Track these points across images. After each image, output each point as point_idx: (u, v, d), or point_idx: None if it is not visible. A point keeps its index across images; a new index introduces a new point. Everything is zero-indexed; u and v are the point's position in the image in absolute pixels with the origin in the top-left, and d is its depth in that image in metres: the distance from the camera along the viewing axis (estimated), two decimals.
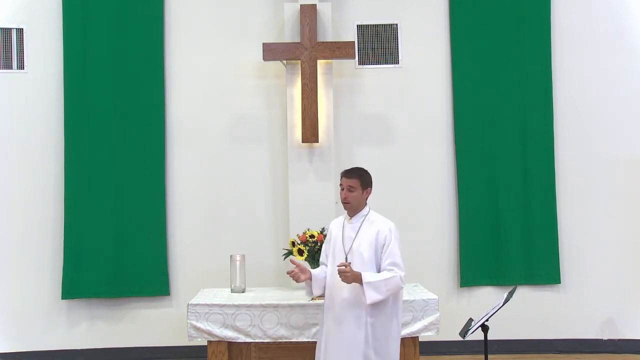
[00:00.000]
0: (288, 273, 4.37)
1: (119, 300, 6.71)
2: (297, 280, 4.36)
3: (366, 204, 4.49)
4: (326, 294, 4.45)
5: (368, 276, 4.18)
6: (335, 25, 6.74)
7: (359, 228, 4.40)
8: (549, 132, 6.78)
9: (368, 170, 4.53)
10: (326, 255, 4.54)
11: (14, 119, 6.73)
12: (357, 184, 4.39)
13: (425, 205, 6.85)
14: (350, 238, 4.38)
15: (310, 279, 4.42)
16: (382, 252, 4.31)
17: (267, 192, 6.80)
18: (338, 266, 4.19)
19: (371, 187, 4.50)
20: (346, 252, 4.36)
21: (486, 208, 6.77)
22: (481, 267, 6.75)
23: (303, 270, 4.39)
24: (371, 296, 4.14)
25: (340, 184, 4.44)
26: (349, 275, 4.13)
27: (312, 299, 4.89)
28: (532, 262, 6.76)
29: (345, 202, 4.40)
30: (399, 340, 4.50)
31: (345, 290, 4.29)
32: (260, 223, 6.79)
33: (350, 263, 4.24)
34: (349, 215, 4.47)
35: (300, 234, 5.81)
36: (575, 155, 6.84)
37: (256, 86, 6.84)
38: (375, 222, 4.42)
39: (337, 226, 4.52)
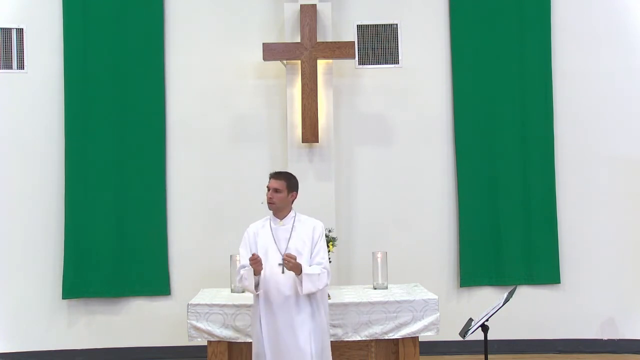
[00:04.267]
0: (254, 256, 4.32)
1: (119, 300, 6.72)
2: (257, 268, 4.34)
3: (292, 207, 4.60)
4: (263, 294, 4.47)
5: (307, 269, 4.34)
6: (335, 25, 6.74)
7: (292, 228, 4.51)
8: (549, 132, 6.78)
9: (296, 177, 4.63)
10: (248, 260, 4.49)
11: (14, 119, 6.74)
12: (283, 185, 4.51)
13: (425, 206, 6.86)
14: (285, 239, 4.48)
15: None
16: (313, 247, 4.48)
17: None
18: (286, 254, 4.27)
19: (297, 192, 4.61)
20: (282, 253, 4.41)
21: (486, 208, 6.77)
22: (481, 267, 6.76)
23: (261, 263, 4.42)
24: (307, 287, 4.31)
25: (267, 186, 4.54)
26: (294, 264, 4.25)
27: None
28: (532, 262, 6.76)
29: (270, 203, 4.52)
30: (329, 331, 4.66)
31: (287, 288, 4.38)
32: None
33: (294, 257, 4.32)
34: (277, 218, 4.56)
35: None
36: (575, 155, 6.84)
37: (256, 86, 6.85)
38: (306, 221, 4.57)
39: (264, 230, 4.57)
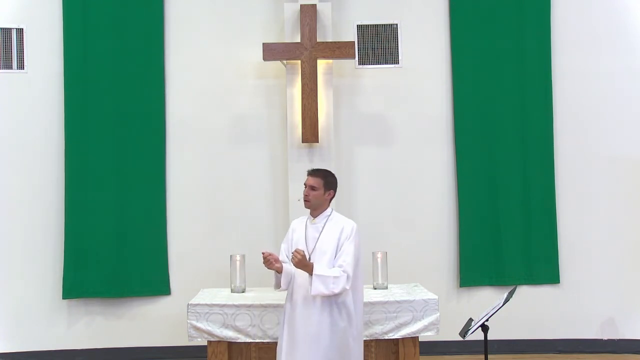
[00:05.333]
0: (263, 253, 4.31)
1: (119, 300, 6.72)
2: (269, 266, 4.31)
3: (329, 205, 4.55)
4: (290, 294, 4.46)
5: (319, 269, 4.23)
6: (335, 25, 6.74)
7: (323, 228, 4.45)
8: (548, 132, 6.78)
9: (335, 175, 4.58)
10: (286, 255, 4.51)
11: (14, 119, 6.73)
12: (320, 183, 4.46)
13: (425, 205, 6.86)
14: (314, 238, 4.43)
15: (281, 272, 4.41)
16: (338, 249, 4.36)
17: (267, 192, 6.80)
18: (295, 250, 4.22)
19: (335, 190, 4.55)
20: (309, 252, 4.39)
21: (486, 208, 6.78)
22: (481, 267, 6.76)
23: (276, 259, 4.37)
24: (317, 288, 4.19)
25: (305, 183, 4.50)
26: (300, 260, 4.15)
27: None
28: (531, 262, 6.76)
29: (306, 200, 4.47)
30: (361, 341, 4.51)
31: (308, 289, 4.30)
32: (260, 223, 6.79)
33: (303, 254, 4.23)
34: (312, 216, 4.52)
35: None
36: (575, 155, 6.84)
37: (256, 86, 6.85)
38: (339, 221, 4.48)
39: (300, 226, 4.57)
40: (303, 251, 4.25)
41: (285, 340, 4.41)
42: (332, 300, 4.33)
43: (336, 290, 4.23)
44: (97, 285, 6.64)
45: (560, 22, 6.84)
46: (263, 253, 4.33)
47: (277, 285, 4.48)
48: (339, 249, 4.36)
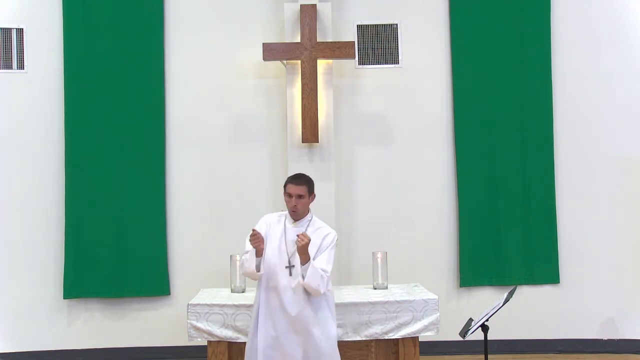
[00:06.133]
0: (254, 231, 4.26)
1: (119, 300, 6.72)
2: (258, 245, 4.26)
3: (309, 209, 4.53)
4: (265, 294, 4.41)
5: (317, 263, 4.26)
6: (335, 25, 6.74)
7: (305, 232, 4.36)
8: (548, 132, 6.78)
9: (310, 176, 4.58)
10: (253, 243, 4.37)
11: (14, 119, 6.73)
12: (305, 190, 4.41)
13: (425, 205, 6.86)
14: (294, 241, 4.31)
15: (261, 255, 4.37)
16: (317, 254, 4.35)
17: (267, 192, 6.80)
18: (302, 234, 4.19)
19: (314, 192, 4.54)
20: (289, 255, 4.36)
21: (486, 208, 6.77)
22: (481, 267, 6.75)
23: (262, 240, 4.32)
24: (310, 279, 4.21)
25: (288, 192, 4.41)
26: (305, 245, 4.15)
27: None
28: (531, 262, 6.76)
29: (294, 211, 4.41)
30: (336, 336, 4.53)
31: (290, 290, 4.31)
32: None
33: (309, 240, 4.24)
34: (293, 219, 4.47)
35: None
36: (575, 155, 6.84)
37: (256, 86, 6.85)
38: (321, 228, 4.46)
39: (277, 226, 4.47)
40: (309, 237, 4.22)
41: (265, 331, 4.36)
42: (319, 303, 4.38)
43: (322, 290, 4.27)
44: (97, 285, 6.64)
45: (560, 22, 6.84)
46: (254, 229, 4.25)
47: (258, 269, 4.35)
48: (318, 254, 4.35)
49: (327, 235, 4.43)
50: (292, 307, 4.33)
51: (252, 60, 6.74)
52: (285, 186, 4.49)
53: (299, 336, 4.34)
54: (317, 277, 4.24)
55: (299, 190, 4.39)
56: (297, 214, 4.44)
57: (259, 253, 4.32)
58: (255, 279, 4.46)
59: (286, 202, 4.45)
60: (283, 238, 4.43)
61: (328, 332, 4.40)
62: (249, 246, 4.37)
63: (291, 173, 6.43)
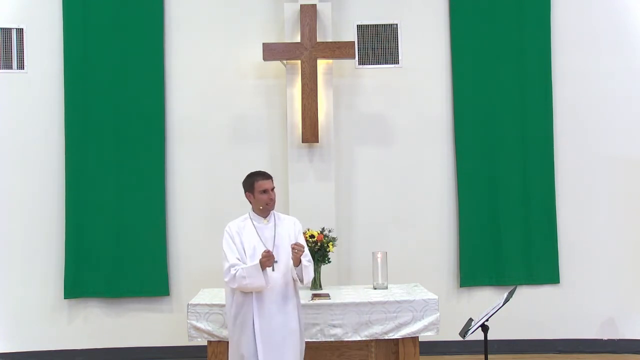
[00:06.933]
0: (268, 252, 4.27)
1: (120, 300, 6.72)
2: (270, 264, 4.28)
3: None
4: (255, 294, 4.42)
5: (303, 260, 4.40)
6: (335, 25, 6.74)
7: (274, 227, 4.53)
8: (548, 132, 6.78)
9: None
10: (238, 258, 4.41)
11: (14, 118, 6.74)
12: (273, 184, 4.59)
13: (425, 205, 6.86)
14: (271, 237, 4.48)
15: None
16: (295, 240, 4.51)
17: None
18: (295, 244, 4.32)
19: None
20: (272, 252, 4.41)
21: (486, 208, 6.78)
22: (481, 267, 6.76)
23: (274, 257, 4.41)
24: (309, 276, 4.43)
25: (264, 189, 4.50)
26: (301, 254, 4.32)
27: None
28: (531, 262, 6.76)
29: (272, 204, 4.54)
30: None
31: (278, 284, 4.42)
32: None
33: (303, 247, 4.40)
34: (262, 217, 4.54)
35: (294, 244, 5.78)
36: (575, 155, 6.84)
37: (256, 86, 6.85)
38: (285, 218, 4.64)
39: (247, 230, 4.50)
40: (303, 246, 4.40)
41: (258, 337, 4.38)
42: (297, 295, 4.53)
43: (312, 276, 4.51)
44: (98, 285, 6.65)
45: (560, 22, 6.84)
46: (267, 250, 4.28)
47: (267, 283, 4.36)
48: (294, 241, 4.48)
49: (294, 222, 4.62)
50: (281, 297, 4.45)
51: (252, 60, 6.74)
52: (253, 185, 4.54)
53: (284, 316, 4.45)
54: (311, 270, 4.47)
55: (272, 184, 4.56)
56: (272, 207, 4.54)
57: (265, 268, 4.32)
58: (258, 291, 4.43)
59: (260, 199, 4.50)
60: (258, 238, 4.49)
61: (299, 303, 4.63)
62: (233, 259, 4.38)
63: (291, 173, 6.51)
